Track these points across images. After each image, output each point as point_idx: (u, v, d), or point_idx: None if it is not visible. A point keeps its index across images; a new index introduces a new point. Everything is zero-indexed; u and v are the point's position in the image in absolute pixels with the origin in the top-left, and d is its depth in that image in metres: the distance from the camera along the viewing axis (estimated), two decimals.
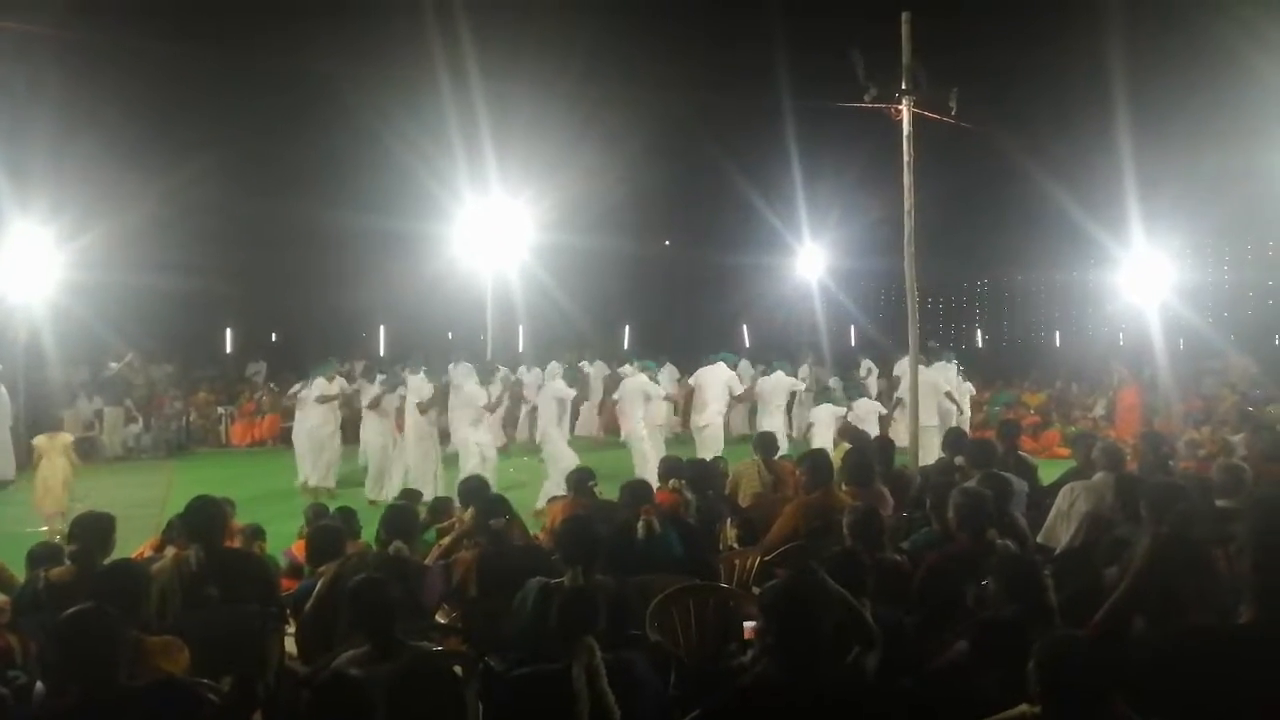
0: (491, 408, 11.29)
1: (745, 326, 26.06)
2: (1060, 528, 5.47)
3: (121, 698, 2.94)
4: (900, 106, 9.08)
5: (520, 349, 20.24)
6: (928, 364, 12.68)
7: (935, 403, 12.22)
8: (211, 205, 19.90)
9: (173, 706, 3.02)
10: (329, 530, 5.53)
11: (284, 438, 16.93)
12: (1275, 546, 2.38)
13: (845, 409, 11.92)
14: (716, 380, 12.40)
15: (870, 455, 6.81)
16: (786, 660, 2.99)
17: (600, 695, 3.29)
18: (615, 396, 12.46)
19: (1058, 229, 21.72)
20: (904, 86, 9.00)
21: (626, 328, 26.28)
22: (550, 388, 11.55)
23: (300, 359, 19.93)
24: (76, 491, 9.90)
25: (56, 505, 9.62)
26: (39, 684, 3.62)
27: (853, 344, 25.03)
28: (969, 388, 14.17)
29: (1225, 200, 20.31)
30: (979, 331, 34.07)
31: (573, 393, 11.58)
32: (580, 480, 6.70)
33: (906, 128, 9.10)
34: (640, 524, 5.29)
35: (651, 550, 5.25)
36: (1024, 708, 2.78)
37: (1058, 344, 32.14)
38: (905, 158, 9.19)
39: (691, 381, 12.75)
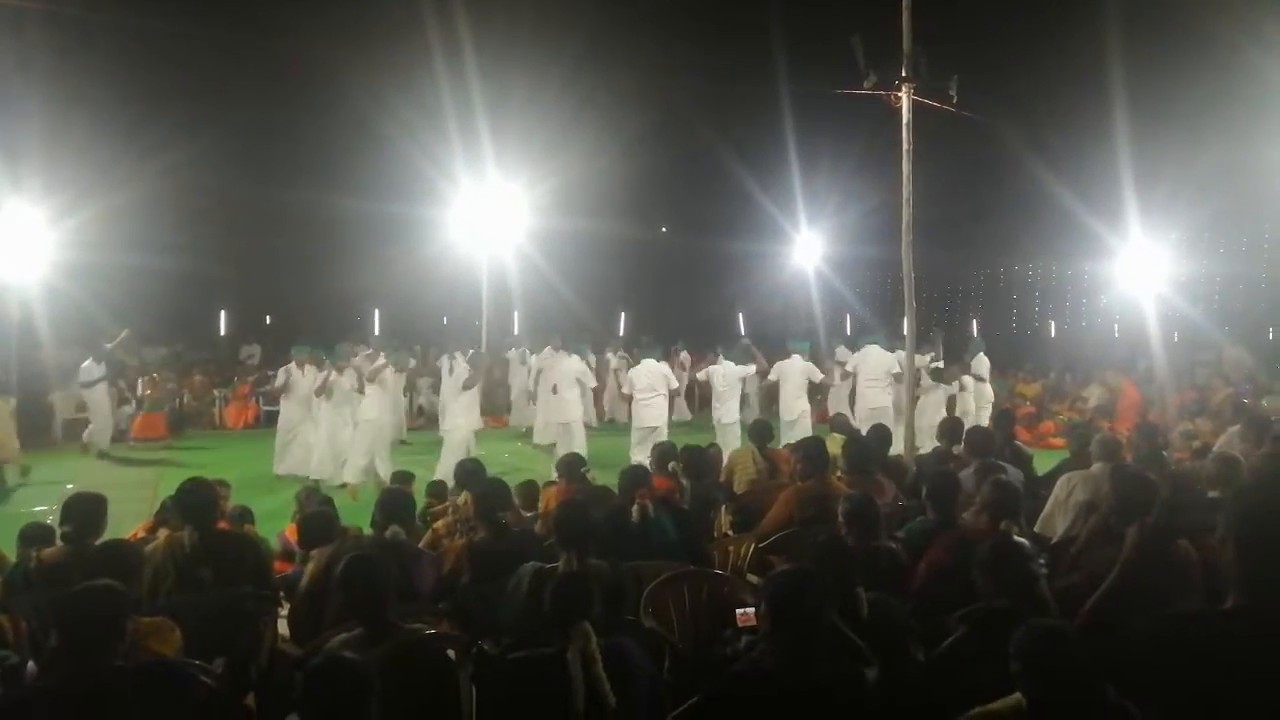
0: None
1: (741, 313, 26.04)
2: (1058, 517, 5.51)
3: (113, 678, 2.92)
4: (900, 94, 9.05)
5: (515, 333, 20.24)
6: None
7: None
8: (206, 187, 19.83)
9: (164, 687, 3.01)
10: (322, 515, 5.53)
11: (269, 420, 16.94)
12: (1257, 535, 2.40)
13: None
14: (794, 371, 12.14)
15: (868, 444, 6.82)
16: (785, 649, 2.99)
17: (595, 680, 3.28)
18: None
19: (1054, 219, 21.65)
20: (904, 74, 8.97)
21: (623, 314, 26.25)
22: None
23: (295, 341, 19.91)
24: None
25: (8, 455, 11.65)
26: (30, 664, 3.61)
27: (849, 332, 24.99)
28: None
29: (1222, 193, 20.30)
30: (974, 321, 34.06)
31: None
32: (572, 466, 6.69)
33: (906, 115, 9.07)
34: (635, 507, 5.29)
35: (646, 535, 5.25)
36: (1017, 697, 2.78)
37: (1053, 334, 32.17)
38: (904, 145, 9.16)
39: (773, 375, 12.32)
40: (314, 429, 11.75)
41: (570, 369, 12.25)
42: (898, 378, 11.69)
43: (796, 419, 11.82)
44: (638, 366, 11.96)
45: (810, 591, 3.07)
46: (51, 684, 3.04)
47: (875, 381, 12.08)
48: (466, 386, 11.32)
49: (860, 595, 3.63)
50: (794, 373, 12.06)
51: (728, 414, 12.02)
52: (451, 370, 12.08)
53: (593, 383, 13.12)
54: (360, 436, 11.21)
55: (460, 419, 11.29)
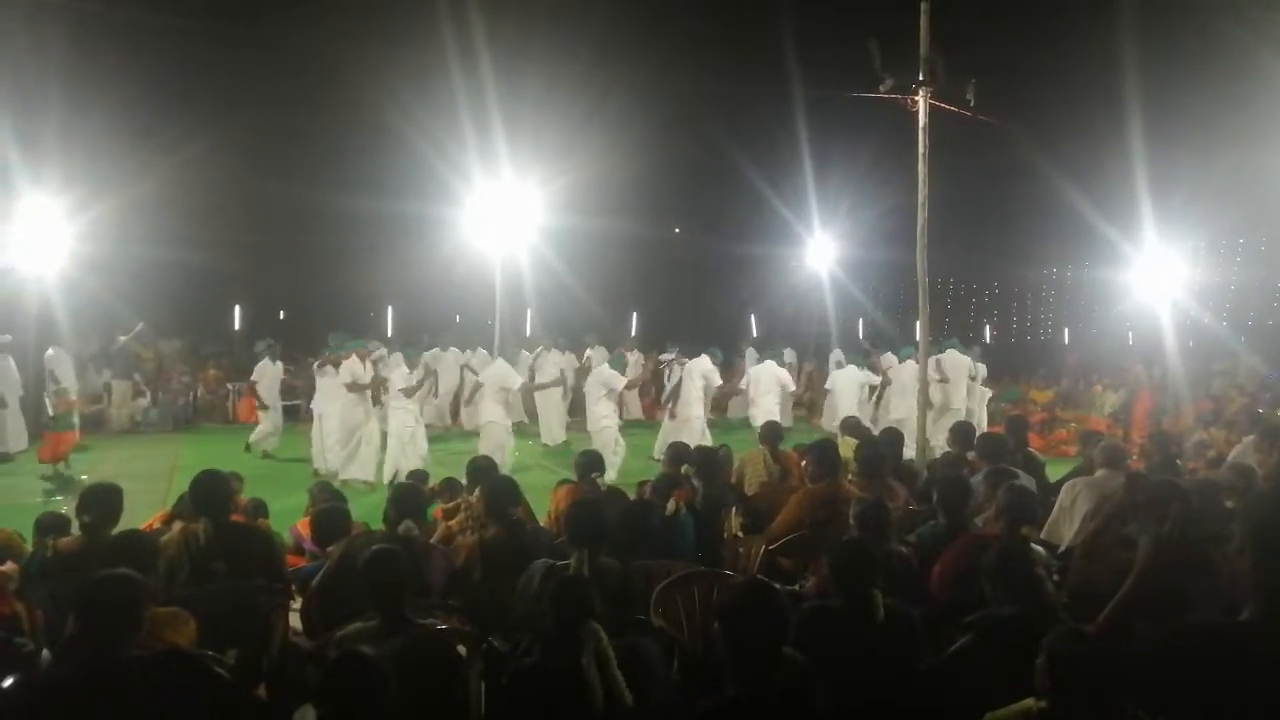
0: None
1: (753, 316, 26.03)
2: (1063, 524, 5.45)
3: (127, 667, 2.95)
4: (916, 97, 9.02)
5: (529, 333, 20.27)
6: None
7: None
8: (223, 181, 19.91)
9: (177, 677, 3.02)
10: (336, 510, 5.55)
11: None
12: (1273, 544, 2.37)
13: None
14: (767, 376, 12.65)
15: (881, 448, 6.80)
16: (744, 677, 2.92)
17: (611, 681, 3.27)
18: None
19: (1070, 225, 21.58)
20: (921, 77, 8.93)
21: (634, 314, 26.26)
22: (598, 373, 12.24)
23: (308, 337, 20.04)
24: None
25: None
26: (45, 652, 3.64)
27: (860, 335, 24.97)
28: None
29: (1239, 200, 20.16)
30: (988, 327, 33.91)
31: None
32: (585, 468, 6.67)
33: (922, 119, 9.03)
34: (671, 501, 5.43)
35: (668, 535, 5.30)
36: (1029, 702, 2.77)
37: (1067, 341, 32.01)
38: (920, 149, 9.12)
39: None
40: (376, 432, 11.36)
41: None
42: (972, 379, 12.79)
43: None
44: (759, 367, 12.41)
45: (768, 608, 3.02)
46: (66, 671, 3.07)
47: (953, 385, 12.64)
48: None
49: (876, 598, 3.61)
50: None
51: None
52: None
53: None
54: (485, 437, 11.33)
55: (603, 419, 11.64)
